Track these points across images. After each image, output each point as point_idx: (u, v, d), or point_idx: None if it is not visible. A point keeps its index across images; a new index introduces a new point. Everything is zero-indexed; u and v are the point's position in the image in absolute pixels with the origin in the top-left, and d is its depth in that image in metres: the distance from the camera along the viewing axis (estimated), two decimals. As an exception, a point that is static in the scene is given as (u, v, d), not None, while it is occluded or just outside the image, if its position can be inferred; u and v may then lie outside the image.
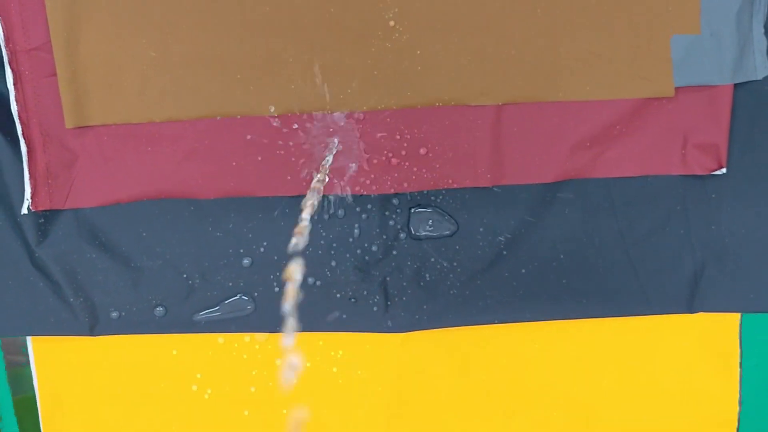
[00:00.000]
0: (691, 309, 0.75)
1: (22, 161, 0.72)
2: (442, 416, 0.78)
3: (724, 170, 0.72)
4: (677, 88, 0.71)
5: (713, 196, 0.74)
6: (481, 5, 0.70)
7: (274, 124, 0.72)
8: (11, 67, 0.71)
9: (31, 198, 0.72)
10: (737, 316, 0.75)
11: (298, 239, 0.64)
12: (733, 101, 0.71)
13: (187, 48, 0.70)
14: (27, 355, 0.77)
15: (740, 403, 0.77)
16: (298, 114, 0.72)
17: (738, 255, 0.74)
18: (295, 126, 0.72)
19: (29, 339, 0.76)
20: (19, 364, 0.78)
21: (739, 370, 0.77)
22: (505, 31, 0.70)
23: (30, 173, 0.72)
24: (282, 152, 0.73)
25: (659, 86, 0.71)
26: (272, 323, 0.75)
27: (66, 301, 0.74)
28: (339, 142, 0.72)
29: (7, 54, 0.70)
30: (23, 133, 0.71)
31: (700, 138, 0.72)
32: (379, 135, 0.72)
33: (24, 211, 0.72)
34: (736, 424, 0.78)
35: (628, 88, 0.71)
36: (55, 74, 0.71)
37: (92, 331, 0.75)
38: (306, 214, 0.65)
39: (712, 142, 0.72)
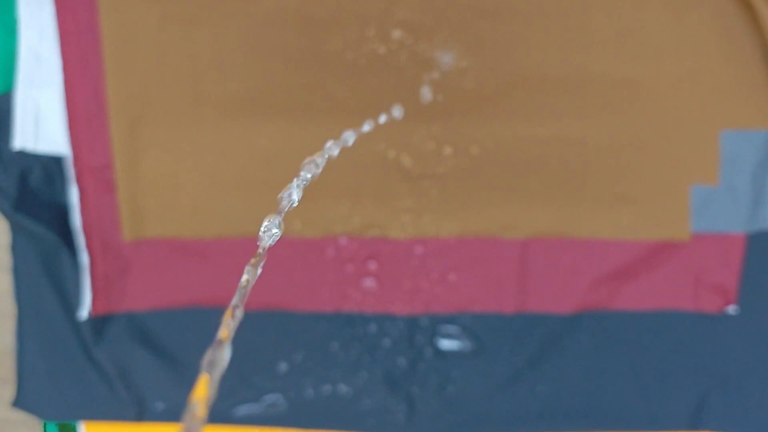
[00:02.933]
0: (693, 427, 0.80)
1: (81, 270, 0.78)
2: None
3: (731, 309, 0.78)
4: (693, 233, 0.76)
5: (720, 330, 0.79)
6: (511, 147, 0.75)
7: (313, 245, 0.78)
8: (78, 185, 0.77)
9: (92, 304, 0.78)
10: (736, 435, 0.81)
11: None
12: (746, 247, 0.76)
13: (236, 173, 0.76)
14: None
15: None
16: (334, 237, 0.78)
17: (739, 383, 0.79)
18: (332, 247, 0.78)
19: (82, 422, 0.83)
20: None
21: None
22: (536, 167, 0.75)
23: (91, 282, 0.78)
24: (318, 270, 0.78)
25: (676, 231, 0.76)
26: (304, 419, 0.82)
27: (117, 392, 0.81)
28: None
29: (75, 172, 0.76)
30: (87, 245, 0.78)
31: (712, 279, 0.77)
32: (412, 261, 0.78)
33: (84, 315, 0.79)
34: None
35: (647, 230, 0.76)
36: (115, 191, 0.77)
37: (139, 418, 0.82)
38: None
39: (722, 283, 0.77)
